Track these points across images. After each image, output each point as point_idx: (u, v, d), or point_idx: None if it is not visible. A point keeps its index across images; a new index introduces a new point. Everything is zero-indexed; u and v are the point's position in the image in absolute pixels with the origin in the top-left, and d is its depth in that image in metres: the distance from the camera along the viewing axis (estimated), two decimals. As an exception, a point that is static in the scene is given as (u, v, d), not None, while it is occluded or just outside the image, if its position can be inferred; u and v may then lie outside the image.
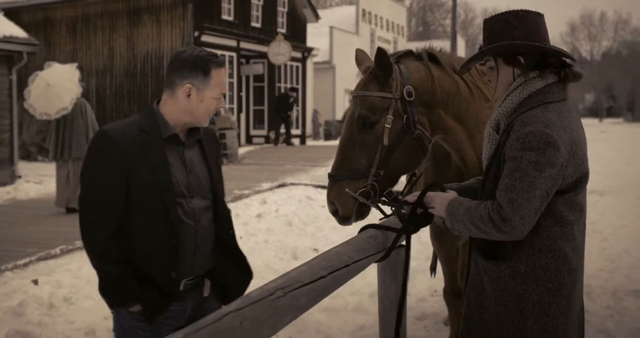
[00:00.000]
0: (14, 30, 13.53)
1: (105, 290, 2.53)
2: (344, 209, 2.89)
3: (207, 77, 2.51)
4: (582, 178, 2.30)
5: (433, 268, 5.06)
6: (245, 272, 2.82)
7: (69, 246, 7.27)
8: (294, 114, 22.76)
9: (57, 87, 9.31)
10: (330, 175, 2.92)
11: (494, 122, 2.41)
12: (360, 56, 3.22)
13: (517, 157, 2.18)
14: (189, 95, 2.52)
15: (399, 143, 2.94)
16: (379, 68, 2.94)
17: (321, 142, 26.15)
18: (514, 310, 2.31)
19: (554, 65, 2.36)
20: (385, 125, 2.91)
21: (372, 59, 3.05)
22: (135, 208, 2.48)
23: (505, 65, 2.38)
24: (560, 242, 2.30)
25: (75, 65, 9.98)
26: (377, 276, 2.95)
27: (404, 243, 2.58)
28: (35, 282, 5.80)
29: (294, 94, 21.83)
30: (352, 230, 8.73)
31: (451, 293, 4.06)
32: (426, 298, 5.69)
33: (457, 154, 3.31)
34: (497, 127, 2.39)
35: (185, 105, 2.52)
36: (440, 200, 2.37)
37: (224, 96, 2.68)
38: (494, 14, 2.46)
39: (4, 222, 8.88)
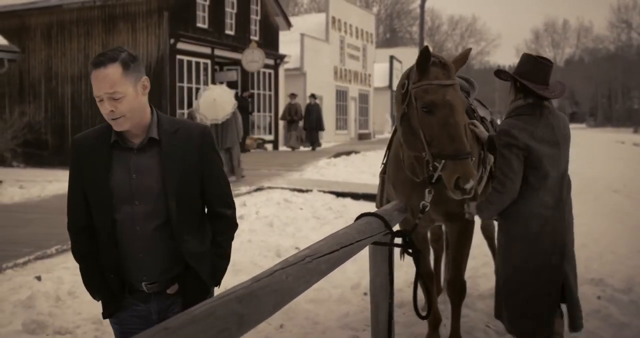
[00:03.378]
0: (-5, 38, 13.79)
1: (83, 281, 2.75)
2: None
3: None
4: (539, 160, 3.65)
5: (402, 254, 5.53)
6: (197, 284, 2.66)
7: (63, 246, 7.62)
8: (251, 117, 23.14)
9: (221, 101, 13.30)
10: (468, 153, 3.27)
11: None
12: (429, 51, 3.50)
13: None
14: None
15: None
16: (461, 63, 3.53)
17: (293, 147, 26.59)
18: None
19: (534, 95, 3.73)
20: None
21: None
22: (92, 210, 2.59)
23: (514, 87, 3.85)
24: (528, 197, 3.73)
25: (232, 91, 14.79)
26: (369, 259, 3.46)
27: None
28: (39, 278, 6.18)
29: (249, 99, 22.15)
30: (329, 230, 9.17)
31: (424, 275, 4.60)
32: (403, 289, 6.20)
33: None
34: None
35: None
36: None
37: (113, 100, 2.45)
38: (528, 54, 3.92)
39: (-5, 224, 9.19)
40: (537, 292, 3.86)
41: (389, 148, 4.49)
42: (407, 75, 3.51)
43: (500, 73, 3.99)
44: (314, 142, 24.05)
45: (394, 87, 37.09)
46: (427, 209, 3.42)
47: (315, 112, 24.05)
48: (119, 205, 2.52)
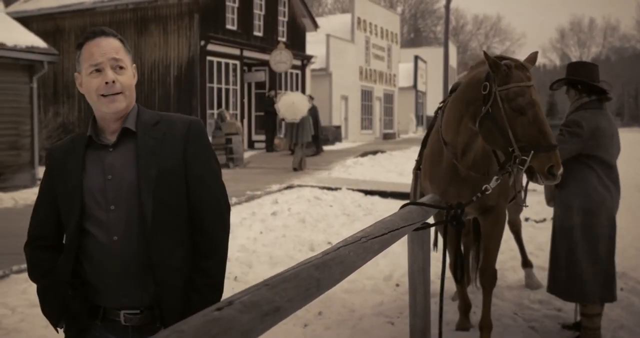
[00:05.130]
0: (35, 41, 14.32)
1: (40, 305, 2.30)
2: None
3: (80, 55, 2.17)
4: (599, 148, 4.41)
5: (435, 244, 5.85)
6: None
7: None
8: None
9: (298, 104, 16.11)
10: (556, 145, 3.57)
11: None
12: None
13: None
14: (80, 85, 2.20)
15: None
16: (532, 65, 3.80)
17: (319, 147, 26.93)
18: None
19: (595, 91, 4.46)
20: None
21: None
22: (63, 220, 2.22)
23: (572, 89, 4.57)
24: (590, 178, 4.44)
25: (305, 96, 19.10)
26: (407, 246, 3.80)
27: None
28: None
29: (274, 99, 22.14)
30: (359, 226, 9.50)
31: (454, 266, 4.95)
32: (434, 280, 6.48)
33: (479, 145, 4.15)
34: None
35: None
36: None
37: (121, 69, 2.16)
38: (575, 61, 4.76)
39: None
40: (596, 260, 4.45)
41: (423, 146, 4.80)
42: (486, 78, 3.76)
43: (554, 84, 4.72)
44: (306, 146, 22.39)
45: (419, 87, 37.24)
46: (487, 192, 3.76)
47: (312, 115, 21.30)
48: (93, 211, 2.13)
